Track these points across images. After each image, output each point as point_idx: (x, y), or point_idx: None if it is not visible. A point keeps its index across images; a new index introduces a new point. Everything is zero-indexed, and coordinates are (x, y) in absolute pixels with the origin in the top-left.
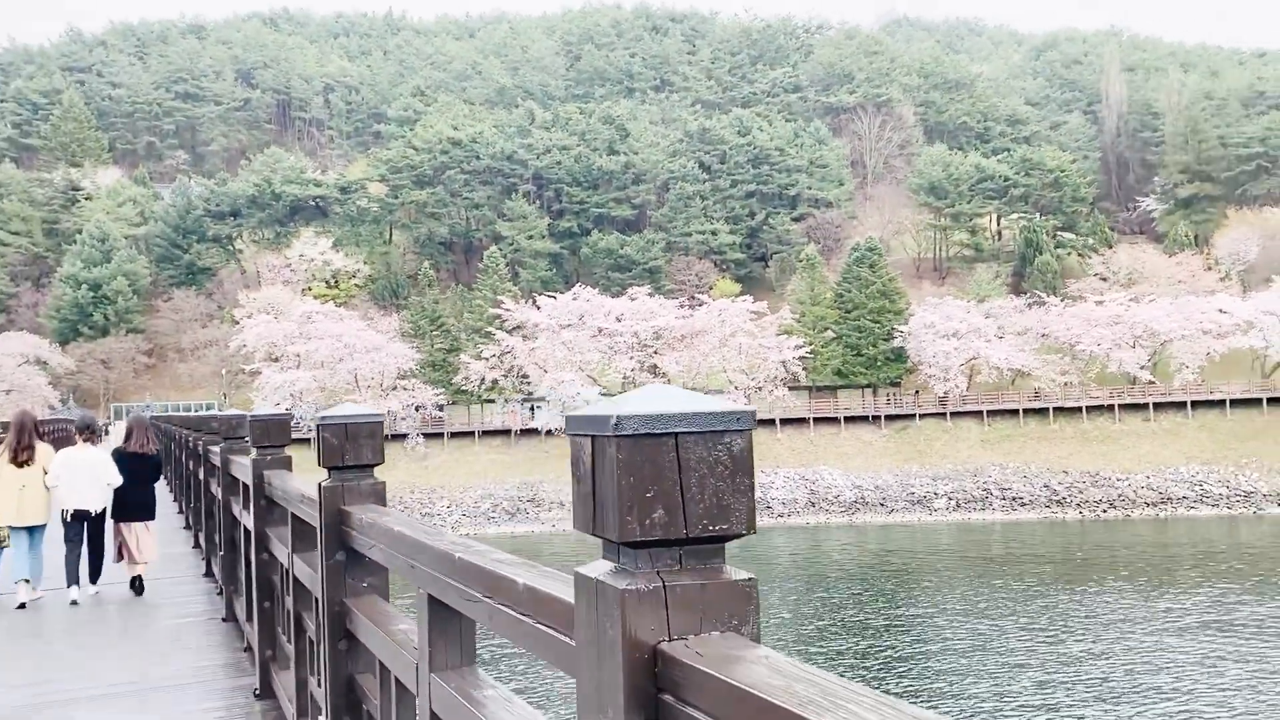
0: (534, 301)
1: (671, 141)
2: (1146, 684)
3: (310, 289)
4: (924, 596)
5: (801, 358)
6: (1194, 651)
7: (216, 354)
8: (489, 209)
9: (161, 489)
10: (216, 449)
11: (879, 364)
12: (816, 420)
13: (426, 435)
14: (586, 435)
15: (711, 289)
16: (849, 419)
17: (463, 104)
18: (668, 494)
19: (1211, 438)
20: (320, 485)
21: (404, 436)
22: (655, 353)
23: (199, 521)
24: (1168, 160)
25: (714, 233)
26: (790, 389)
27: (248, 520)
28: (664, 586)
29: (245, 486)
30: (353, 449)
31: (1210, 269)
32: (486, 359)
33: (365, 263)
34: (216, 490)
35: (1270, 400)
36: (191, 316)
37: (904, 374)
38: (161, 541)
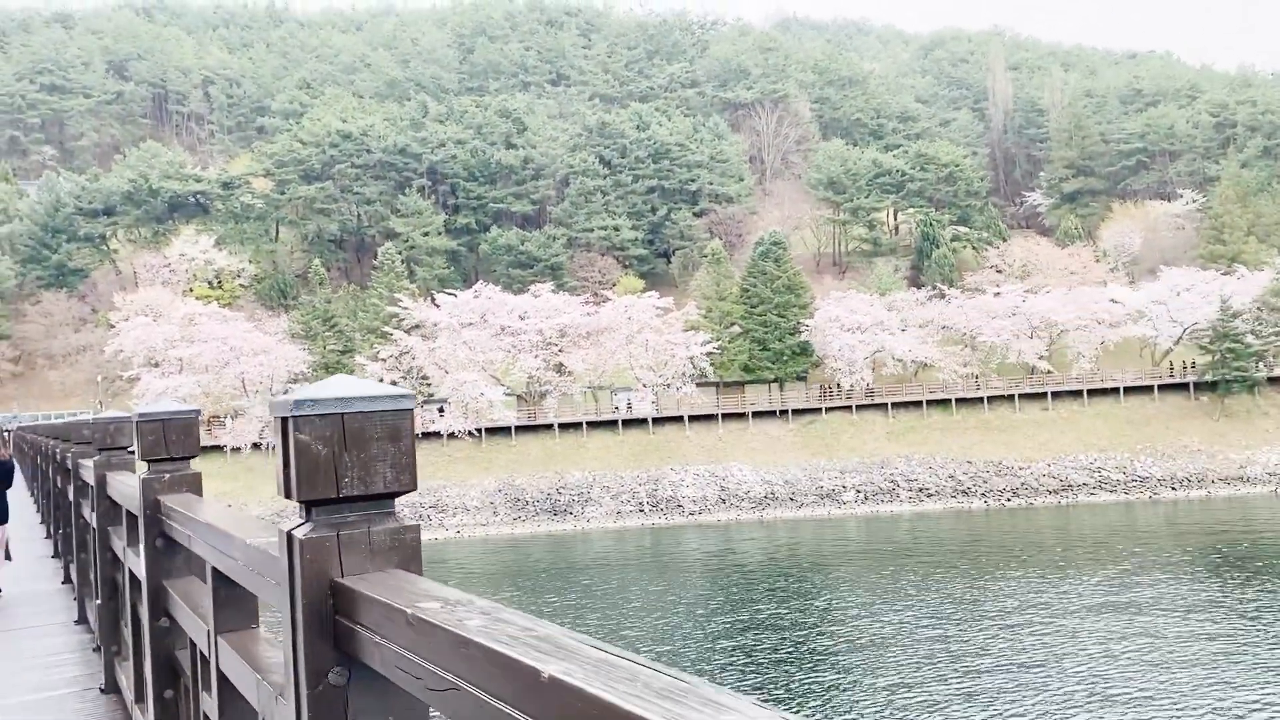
0: (433, 300)
1: (570, 136)
2: (1053, 665)
3: (192, 290)
4: (834, 590)
5: (709, 353)
6: (1095, 631)
7: (91, 360)
8: (382, 205)
9: (26, 507)
10: (89, 463)
11: (785, 358)
12: (725, 416)
13: None
14: (279, 416)
15: (615, 285)
16: (757, 414)
17: (352, 97)
18: (339, 461)
19: (1107, 425)
20: (140, 478)
21: None
22: (560, 351)
23: (69, 550)
24: (1053, 156)
25: (616, 228)
26: (698, 385)
27: (136, 564)
28: (337, 536)
29: (130, 516)
30: (170, 443)
31: (1099, 260)
32: (384, 360)
33: (251, 261)
34: (90, 516)
35: (1161, 387)
36: (62, 320)
37: (810, 368)
38: (23, 576)
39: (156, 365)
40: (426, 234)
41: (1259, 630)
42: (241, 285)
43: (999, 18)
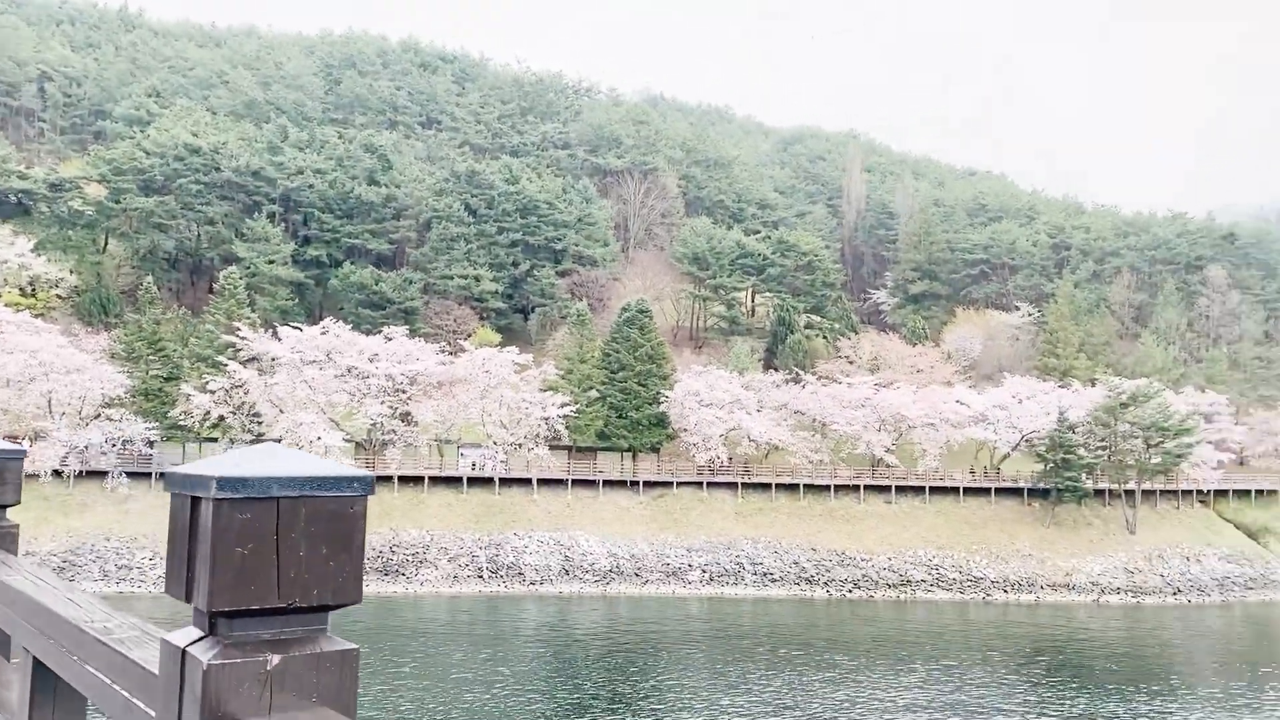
0: (274, 333)
1: (438, 180)
2: None
3: (1, 294)
4: (667, 671)
5: (565, 416)
6: None
7: None
8: (226, 227)
9: None
10: None
11: (642, 428)
12: (575, 482)
13: (131, 474)
14: (186, 495)
15: (470, 336)
16: (608, 483)
17: (205, 112)
18: (266, 560)
19: (947, 523)
20: None
21: (103, 474)
22: (409, 399)
23: None
24: (901, 258)
25: (477, 278)
26: (551, 448)
27: None
28: (255, 659)
29: None
30: None
31: (947, 360)
32: (213, 391)
33: (72, 272)
34: None
35: (998, 491)
36: None
37: (665, 440)
38: None
39: None
40: (272, 262)
41: None
42: (59, 296)
43: (855, 122)
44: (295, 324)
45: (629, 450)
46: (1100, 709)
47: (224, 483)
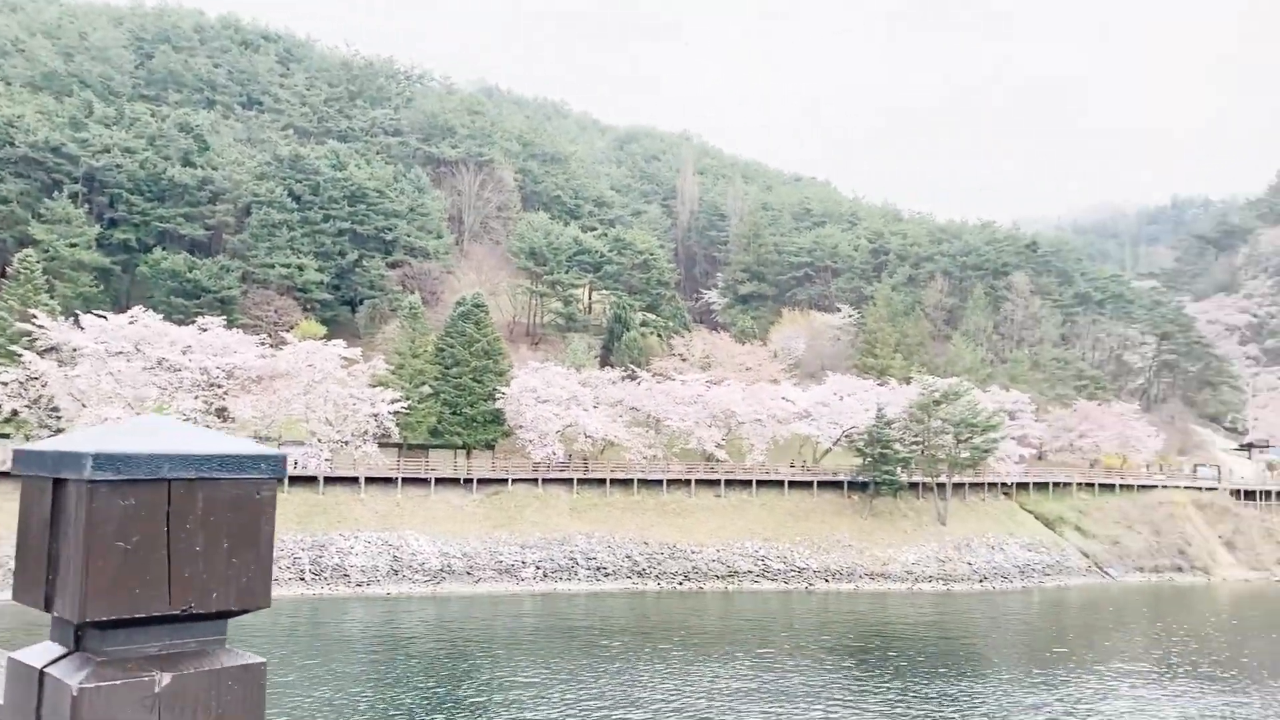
0: (76, 321)
1: (259, 163)
2: None
3: None
4: (495, 668)
5: (396, 413)
6: (747, 715)
7: None
8: (21, 206)
9: None
10: None
11: (477, 425)
12: (405, 481)
13: None
14: (46, 478)
15: (293, 328)
16: (440, 481)
17: None
18: (155, 558)
19: (772, 516)
20: None
21: None
22: (226, 394)
23: None
24: (732, 259)
25: (300, 268)
26: (380, 445)
27: None
28: (140, 679)
29: None
30: None
31: (774, 359)
32: (5, 384)
33: None
34: None
35: (820, 483)
36: None
37: (501, 436)
38: None
39: None
40: (74, 245)
41: (893, 717)
42: None
43: (688, 124)
44: (100, 312)
45: (463, 447)
46: (914, 692)
47: (102, 460)
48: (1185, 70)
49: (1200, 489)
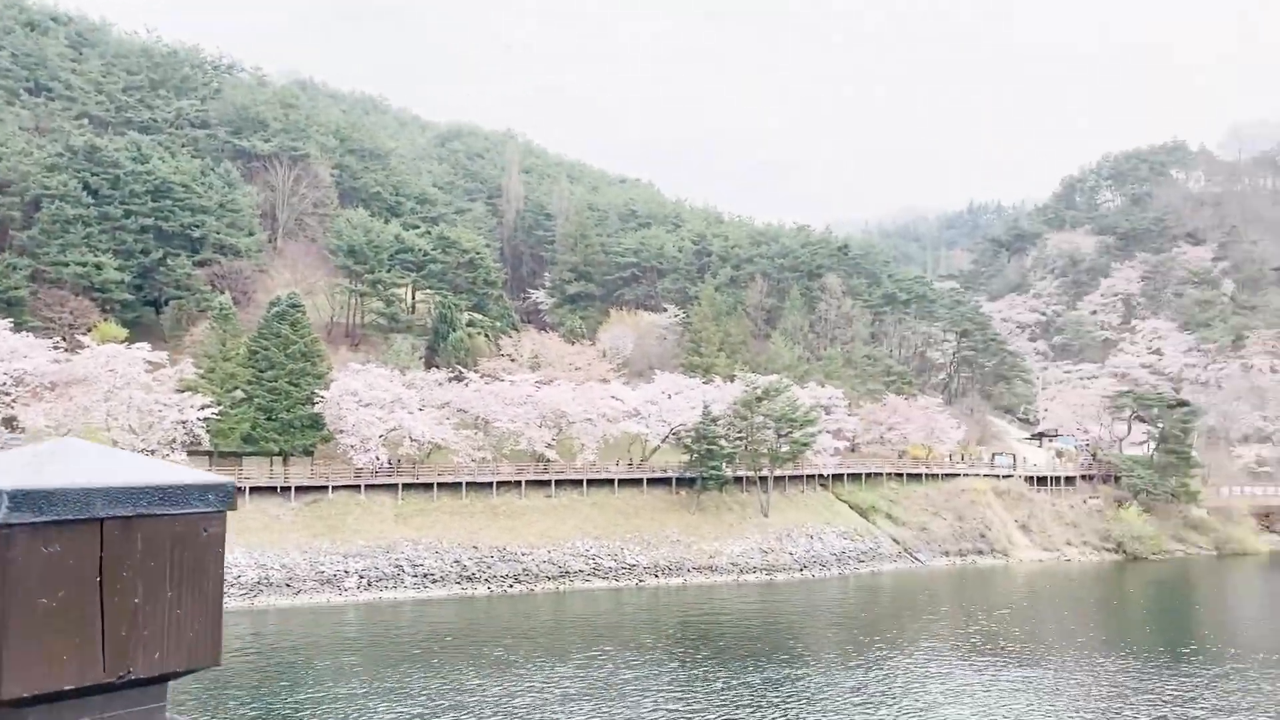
0: None
1: (49, 154)
2: None
3: None
4: (320, 683)
5: (206, 419)
6: (574, 714)
7: None
8: None
9: None
10: None
11: (294, 430)
12: None
13: None
14: None
15: (91, 331)
16: (255, 490)
17: None
18: (85, 615)
19: (602, 514)
20: None
21: None
22: (14, 401)
23: None
24: (559, 259)
25: (98, 266)
26: (190, 454)
27: None
28: None
29: None
30: None
31: (603, 358)
32: None
33: None
34: None
35: (649, 481)
36: None
37: (320, 442)
38: None
39: None
40: None
41: (720, 706)
42: None
43: (511, 122)
44: None
45: (279, 454)
46: (740, 680)
47: (20, 499)
48: (981, 85)
49: (998, 476)
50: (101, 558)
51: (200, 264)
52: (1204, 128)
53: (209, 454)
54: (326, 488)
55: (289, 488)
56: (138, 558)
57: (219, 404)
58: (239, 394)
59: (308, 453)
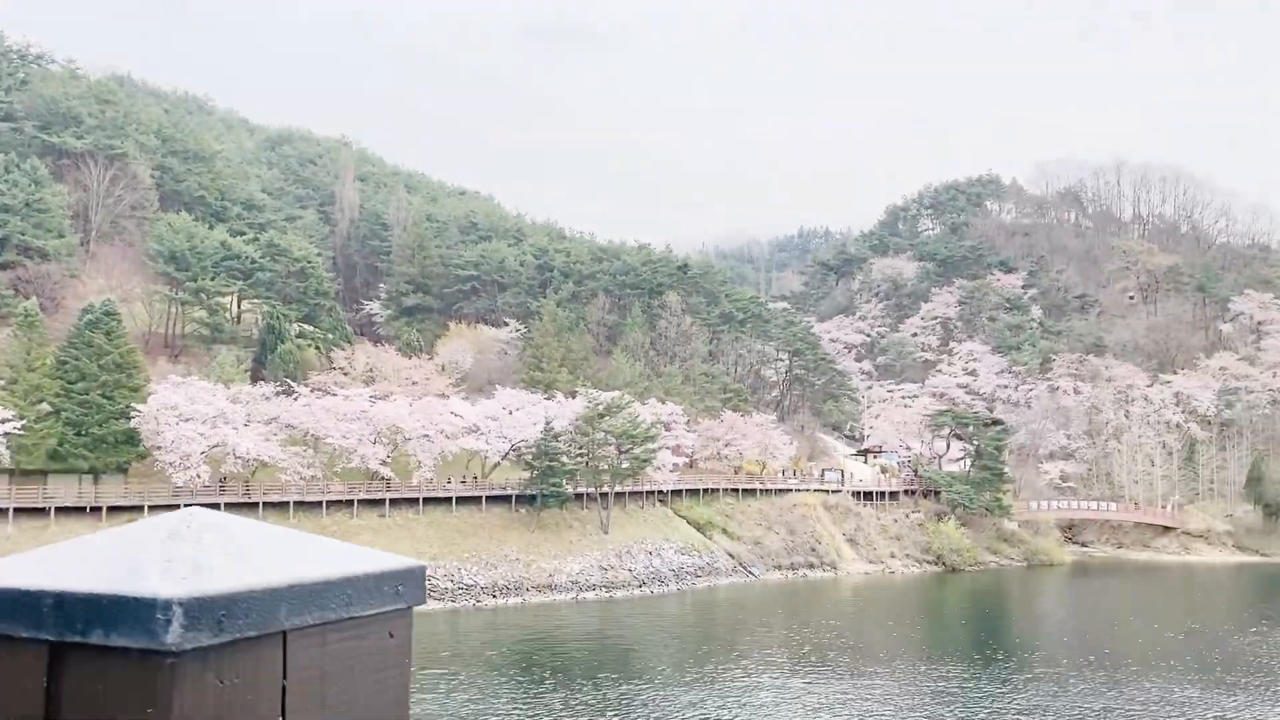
0: None
1: None
2: None
3: None
4: None
5: (8, 434)
6: None
7: None
8: None
9: None
10: None
11: (107, 446)
12: (18, 511)
13: None
14: (41, 642)
15: None
16: (61, 510)
17: None
18: None
19: (439, 534)
20: None
21: None
22: None
23: None
24: (395, 270)
25: None
26: None
27: None
28: None
29: None
30: None
31: (442, 372)
32: None
33: None
34: None
35: (489, 498)
36: None
37: (136, 459)
38: None
39: None
40: None
41: None
42: None
43: (345, 129)
44: None
45: (90, 472)
46: (577, 699)
47: (195, 610)
48: (815, 110)
49: (828, 491)
50: (284, 688)
51: (3, 266)
52: (1015, 162)
53: (9, 472)
54: (142, 507)
55: (99, 508)
56: (320, 683)
57: (22, 418)
58: (45, 407)
59: (122, 470)
